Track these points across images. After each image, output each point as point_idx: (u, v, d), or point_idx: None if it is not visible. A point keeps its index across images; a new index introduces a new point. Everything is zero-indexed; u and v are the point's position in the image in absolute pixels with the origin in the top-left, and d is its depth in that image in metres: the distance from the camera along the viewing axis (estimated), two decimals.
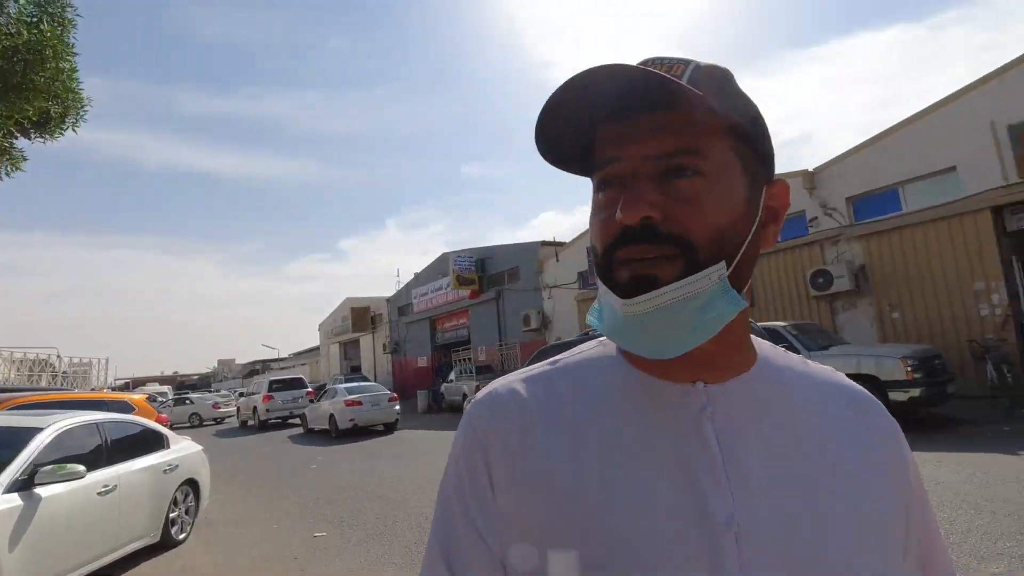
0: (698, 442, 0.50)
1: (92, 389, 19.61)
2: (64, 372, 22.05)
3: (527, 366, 0.63)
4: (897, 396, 7.51)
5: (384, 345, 30.93)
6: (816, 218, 12.12)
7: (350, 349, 36.93)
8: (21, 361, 20.70)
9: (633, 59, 0.51)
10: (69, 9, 5.19)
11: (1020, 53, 9.52)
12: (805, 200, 12.26)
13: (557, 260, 19.71)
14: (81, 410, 5.26)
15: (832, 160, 12.06)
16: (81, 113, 5.22)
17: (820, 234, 11.96)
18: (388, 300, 31.45)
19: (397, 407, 14.55)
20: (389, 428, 14.45)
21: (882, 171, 11.20)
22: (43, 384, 19.60)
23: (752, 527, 0.48)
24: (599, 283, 0.53)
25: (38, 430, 4.17)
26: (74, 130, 5.34)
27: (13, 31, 4.51)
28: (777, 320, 11.10)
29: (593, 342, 0.62)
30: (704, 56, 0.53)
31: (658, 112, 0.49)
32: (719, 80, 0.51)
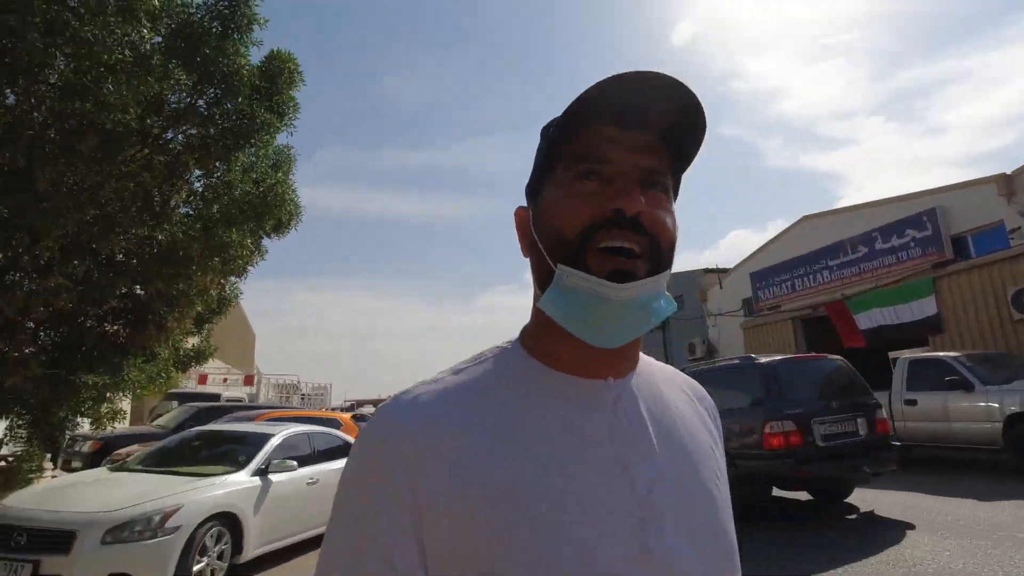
0: (617, 430, 0.57)
1: (323, 408, 24.56)
2: (305, 394, 27.72)
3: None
4: None
5: None
6: (1018, 228, 10.36)
7: None
8: (276, 385, 26.65)
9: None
10: (294, 151, 8.59)
11: None
12: (1002, 208, 10.58)
13: (721, 287, 19.15)
14: (302, 423, 7.29)
15: None
16: (300, 219, 7.97)
17: (1023, 247, 10.19)
18: None
19: None
20: None
21: None
22: (294, 403, 25.21)
23: (663, 497, 0.55)
24: (564, 269, 0.54)
25: (271, 435, 6.06)
26: (296, 229, 8.23)
27: (264, 179, 7.67)
28: (966, 348, 9.72)
29: (492, 348, 0.63)
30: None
31: (661, 132, 0.56)
32: None
